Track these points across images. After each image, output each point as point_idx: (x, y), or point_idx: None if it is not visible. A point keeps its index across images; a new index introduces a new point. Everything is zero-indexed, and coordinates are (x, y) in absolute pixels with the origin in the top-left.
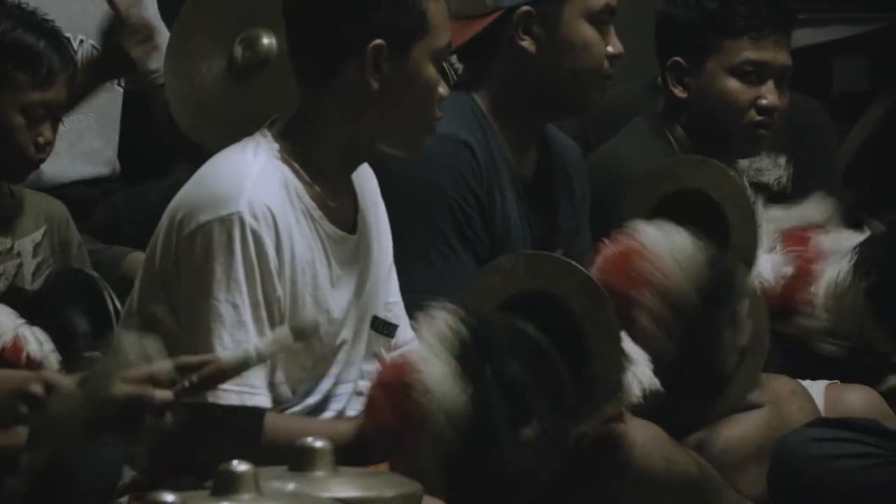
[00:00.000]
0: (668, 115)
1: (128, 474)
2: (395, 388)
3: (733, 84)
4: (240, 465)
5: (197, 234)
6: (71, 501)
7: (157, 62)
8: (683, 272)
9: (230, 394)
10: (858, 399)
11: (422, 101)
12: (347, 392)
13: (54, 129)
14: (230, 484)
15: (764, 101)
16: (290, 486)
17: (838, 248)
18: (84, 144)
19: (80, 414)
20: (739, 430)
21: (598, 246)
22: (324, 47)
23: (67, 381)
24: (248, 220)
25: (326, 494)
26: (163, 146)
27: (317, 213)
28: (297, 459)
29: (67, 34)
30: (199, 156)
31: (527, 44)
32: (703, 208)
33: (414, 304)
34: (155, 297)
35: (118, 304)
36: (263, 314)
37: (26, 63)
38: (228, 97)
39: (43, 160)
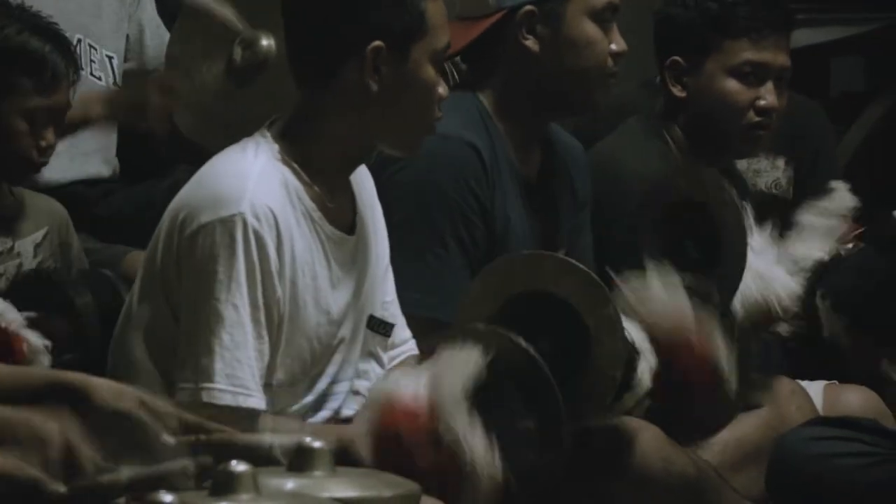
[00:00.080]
0: (667, 115)
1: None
2: (419, 440)
3: (732, 84)
4: (238, 465)
5: (198, 235)
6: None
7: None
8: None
9: (225, 394)
10: (856, 399)
11: (421, 102)
12: (344, 391)
13: (56, 133)
14: (228, 484)
15: (762, 102)
16: (289, 486)
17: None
18: (84, 144)
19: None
20: (738, 429)
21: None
22: (323, 48)
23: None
24: (251, 221)
25: (325, 494)
26: (162, 146)
27: (316, 215)
28: (296, 459)
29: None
30: (199, 156)
31: (530, 43)
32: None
33: (406, 304)
34: (155, 297)
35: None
36: (263, 316)
37: (31, 68)
38: (227, 98)
39: (45, 163)
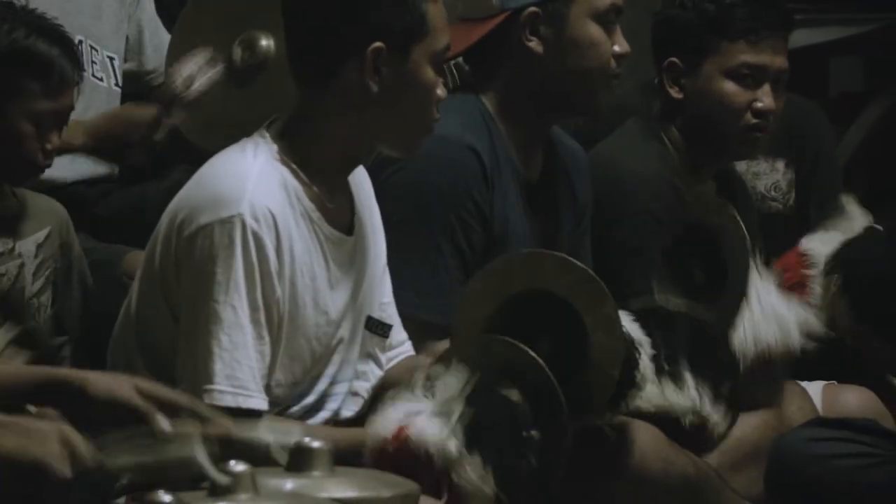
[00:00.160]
0: (664, 116)
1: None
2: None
3: (729, 86)
4: (237, 465)
5: (197, 236)
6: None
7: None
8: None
9: (225, 395)
10: (855, 399)
11: (421, 103)
12: (343, 392)
13: (60, 135)
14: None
15: (760, 104)
16: (288, 486)
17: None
18: None
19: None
20: (738, 429)
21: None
22: (323, 48)
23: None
24: (250, 222)
25: (324, 494)
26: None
27: (315, 215)
28: (295, 459)
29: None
30: (198, 156)
31: (534, 44)
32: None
33: (401, 305)
34: (154, 298)
35: None
36: (262, 317)
37: (39, 72)
38: (227, 98)
39: (49, 166)
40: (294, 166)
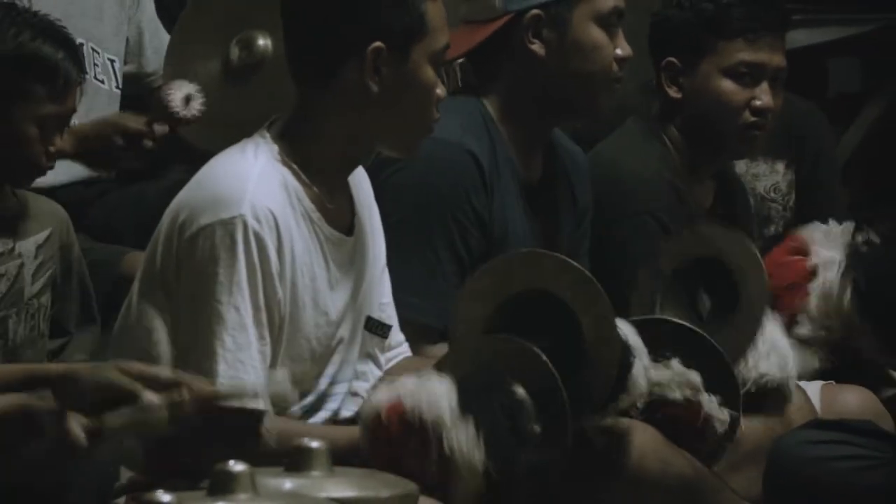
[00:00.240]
0: (663, 116)
1: (125, 475)
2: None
3: (728, 85)
4: (236, 465)
5: (199, 237)
6: (68, 502)
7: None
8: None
9: None
10: (854, 399)
11: (420, 103)
12: (343, 392)
13: (63, 137)
14: (226, 484)
15: (758, 103)
16: (287, 486)
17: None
18: None
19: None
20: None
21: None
22: (323, 48)
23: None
24: (251, 222)
25: (323, 494)
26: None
27: (315, 216)
28: (294, 459)
29: None
30: (196, 156)
31: (536, 47)
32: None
33: (398, 306)
34: (154, 299)
35: None
36: (264, 317)
37: (44, 75)
38: (225, 98)
39: (51, 167)
40: (294, 167)
